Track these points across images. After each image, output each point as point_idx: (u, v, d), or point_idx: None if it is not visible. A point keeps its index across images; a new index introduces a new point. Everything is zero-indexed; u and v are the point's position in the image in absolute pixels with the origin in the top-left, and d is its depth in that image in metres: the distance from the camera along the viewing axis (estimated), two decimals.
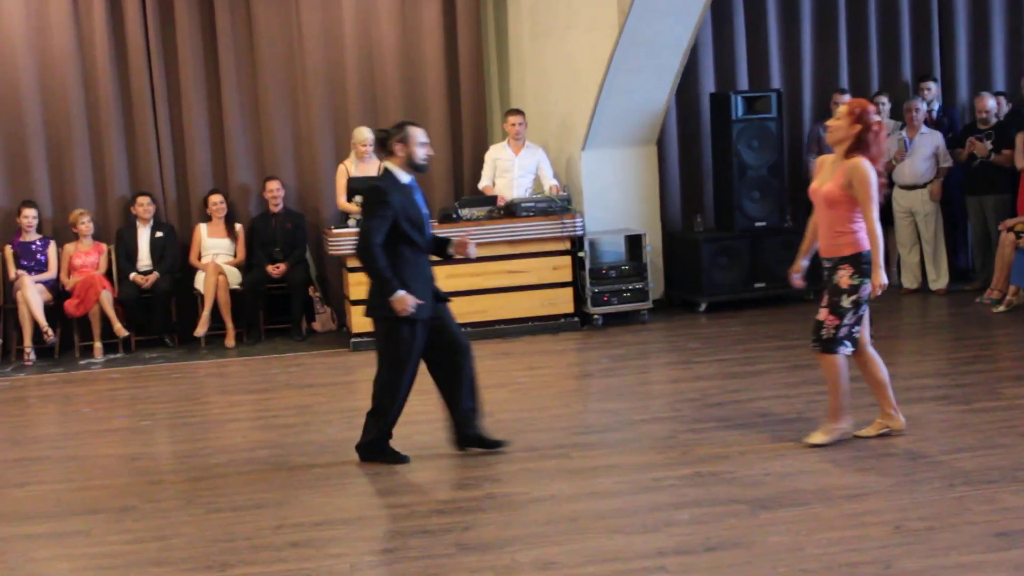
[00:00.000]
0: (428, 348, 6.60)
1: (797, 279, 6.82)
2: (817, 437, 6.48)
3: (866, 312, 6.47)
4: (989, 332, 9.53)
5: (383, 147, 6.61)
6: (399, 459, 6.61)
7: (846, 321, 6.32)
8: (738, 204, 10.98)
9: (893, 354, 9.08)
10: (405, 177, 6.53)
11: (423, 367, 6.67)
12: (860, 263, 6.29)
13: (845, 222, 6.30)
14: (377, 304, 6.52)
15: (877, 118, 6.31)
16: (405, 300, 6.36)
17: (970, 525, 5.16)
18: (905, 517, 5.30)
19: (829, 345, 6.36)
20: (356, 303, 10.18)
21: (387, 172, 6.54)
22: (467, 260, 7.35)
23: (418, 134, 6.55)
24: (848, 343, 6.38)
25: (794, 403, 7.47)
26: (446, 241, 6.82)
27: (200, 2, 11.16)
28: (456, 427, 6.74)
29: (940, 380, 7.97)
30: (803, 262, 6.76)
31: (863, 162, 6.19)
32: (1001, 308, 10.15)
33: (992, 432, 6.58)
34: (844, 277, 6.30)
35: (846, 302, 6.30)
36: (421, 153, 6.54)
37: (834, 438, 6.48)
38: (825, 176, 6.39)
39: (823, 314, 6.37)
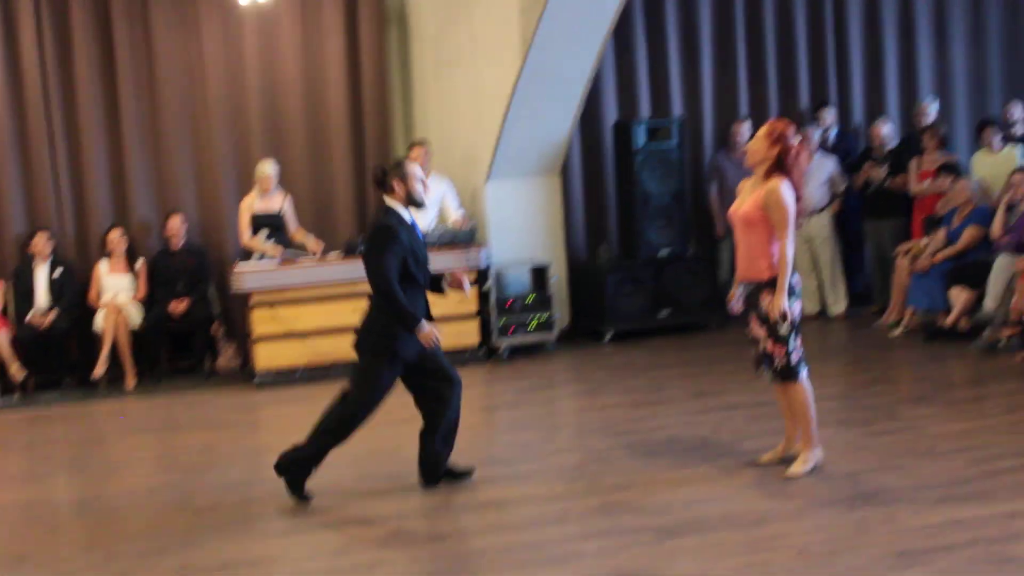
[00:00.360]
0: (416, 375, 6.64)
1: (734, 305, 6.62)
2: (796, 468, 6.36)
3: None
4: (888, 355, 9.70)
5: (381, 185, 6.58)
6: (304, 497, 6.51)
7: (793, 346, 6.29)
8: (642, 233, 11.06)
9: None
10: (407, 214, 6.55)
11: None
12: (776, 284, 6.24)
13: (763, 245, 6.25)
14: (372, 339, 6.52)
15: (797, 140, 6.28)
16: (431, 333, 6.46)
17: (871, 547, 5.23)
18: (809, 540, 5.36)
19: (788, 374, 6.31)
20: (260, 340, 10.08)
21: (391, 210, 6.51)
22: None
23: (416, 170, 6.58)
24: (805, 364, 6.35)
25: (699, 430, 7.52)
26: (439, 277, 6.89)
27: (99, 33, 10.96)
28: (423, 463, 6.67)
29: (841, 403, 8.08)
30: (737, 290, 6.59)
31: (781, 185, 6.16)
32: (899, 331, 10.35)
33: (892, 453, 6.69)
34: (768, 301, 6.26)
35: (784, 329, 6.26)
36: (419, 189, 6.56)
37: (811, 467, 6.38)
38: (744, 198, 6.38)
39: (769, 345, 6.30)
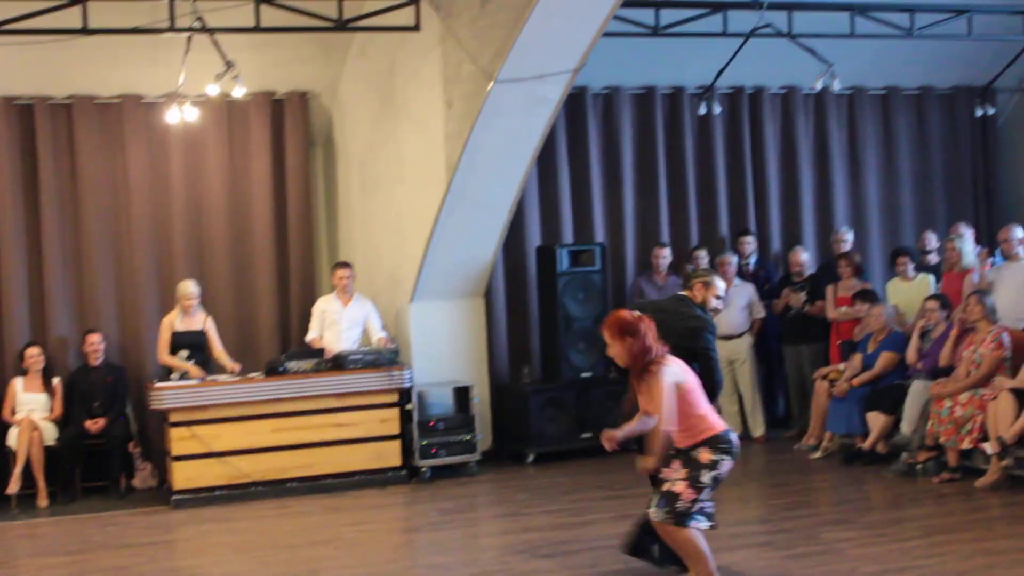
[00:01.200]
0: None
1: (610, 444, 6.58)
2: None
3: None
4: (807, 477, 9.78)
5: (686, 283, 7.41)
6: None
7: (703, 496, 6.30)
8: (564, 355, 11.13)
9: (717, 501, 9.21)
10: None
11: None
12: (718, 443, 6.28)
13: (688, 416, 6.27)
14: None
15: (633, 315, 6.34)
16: None
17: None
18: None
19: (682, 519, 6.26)
20: (178, 459, 9.92)
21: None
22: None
23: (720, 288, 7.14)
24: (701, 517, 6.32)
25: (620, 554, 7.48)
26: None
27: (23, 149, 10.92)
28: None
29: (762, 526, 8.11)
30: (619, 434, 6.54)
31: (653, 373, 6.23)
32: (818, 454, 10.46)
33: None
34: (704, 453, 6.26)
35: (706, 477, 6.26)
36: (714, 303, 7.21)
37: None
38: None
39: (680, 487, 6.24)
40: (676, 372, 6.22)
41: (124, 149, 11.13)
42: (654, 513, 6.28)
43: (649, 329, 6.23)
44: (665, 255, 11.92)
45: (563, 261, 11.19)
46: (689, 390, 6.23)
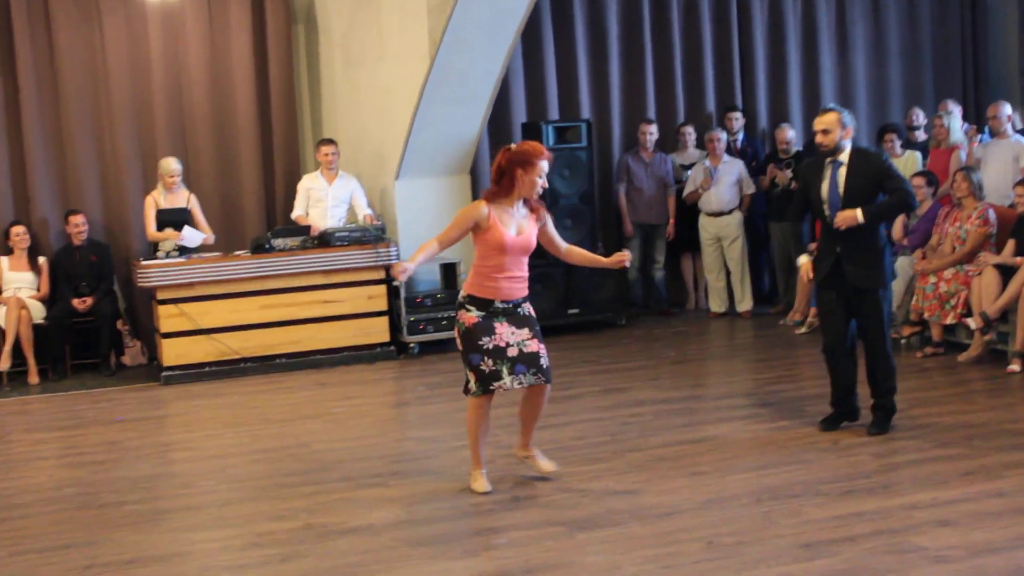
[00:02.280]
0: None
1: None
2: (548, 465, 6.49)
3: None
4: (792, 352, 9.88)
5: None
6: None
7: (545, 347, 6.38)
8: None
9: (702, 375, 9.39)
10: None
11: None
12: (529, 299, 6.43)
13: (527, 267, 6.36)
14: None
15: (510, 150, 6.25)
16: None
17: (778, 538, 5.33)
18: (716, 532, 5.44)
19: (550, 374, 6.32)
20: (167, 336, 9.97)
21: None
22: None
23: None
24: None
25: (607, 426, 7.60)
26: None
27: None
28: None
29: (747, 399, 8.21)
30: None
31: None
32: (803, 329, 10.56)
33: (796, 448, 6.82)
34: (531, 309, 6.36)
35: (538, 329, 6.35)
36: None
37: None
38: (511, 225, 6.19)
39: (535, 344, 6.24)
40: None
41: (102, 26, 10.96)
42: (523, 382, 6.20)
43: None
44: (652, 131, 11.87)
45: (549, 137, 11.12)
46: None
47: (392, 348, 10.49)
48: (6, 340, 10.23)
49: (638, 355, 10.05)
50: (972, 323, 8.96)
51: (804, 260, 7.43)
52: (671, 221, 11.94)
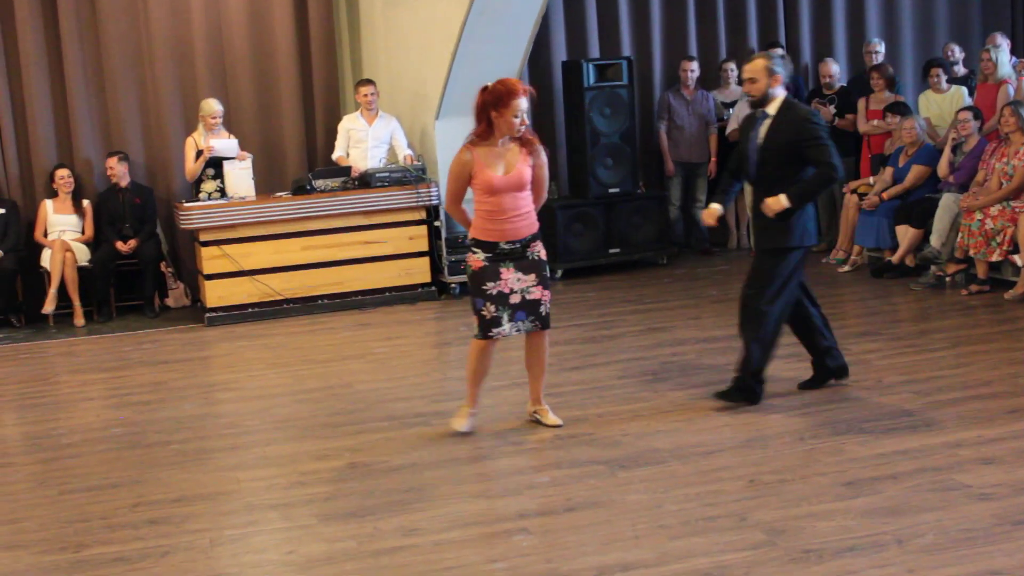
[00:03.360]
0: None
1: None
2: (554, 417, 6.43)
3: None
4: (836, 291, 9.81)
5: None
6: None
7: (550, 293, 6.34)
8: (591, 171, 11.09)
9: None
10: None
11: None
12: (541, 235, 6.34)
13: (530, 202, 6.22)
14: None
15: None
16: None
17: (820, 476, 5.33)
18: (758, 471, 5.44)
19: (548, 321, 6.30)
20: (210, 277, 10.03)
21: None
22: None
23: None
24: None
25: (649, 365, 7.60)
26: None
27: None
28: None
29: (789, 338, 8.12)
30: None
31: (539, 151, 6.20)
32: (846, 268, 10.49)
33: (838, 386, 6.79)
34: (542, 250, 6.28)
35: (547, 274, 6.31)
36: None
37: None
38: (499, 164, 6.06)
39: (538, 292, 6.18)
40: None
41: None
42: (521, 328, 6.23)
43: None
44: (693, 68, 11.76)
45: (589, 76, 11.04)
46: None
47: (433, 288, 10.51)
48: (52, 282, 10.34)
49: (679, 294, 10.02)
50: (1018, 260, 8.86)
51: (713, 207, 6.84)
52: (713, 159, 11.86)
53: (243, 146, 10.71)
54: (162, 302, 10.89)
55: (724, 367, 7.14)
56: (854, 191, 10.70)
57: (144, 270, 10.64)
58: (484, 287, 6.13)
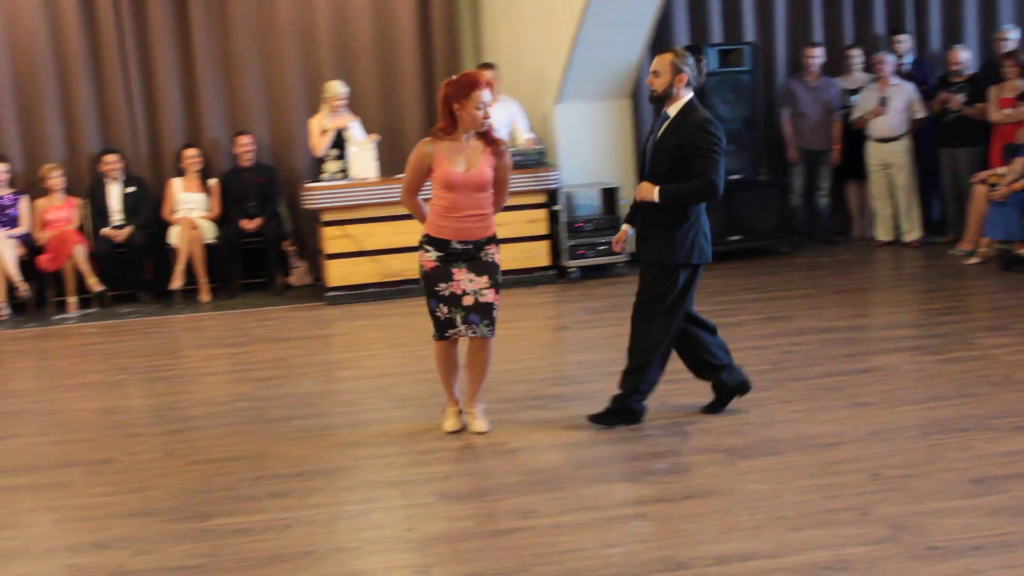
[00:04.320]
0: None
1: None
2: (483, 424, 6.24)
3: None
4: (962, 283, 9.60)
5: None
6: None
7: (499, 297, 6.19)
8: None
9: (867, 305, 9.19)
10: None
11: None
12: (496, 238, 6.13)
13: (490, 202, 6.06)
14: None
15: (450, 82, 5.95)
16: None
17: (946, 472, 5.21)
18: (881, 465, 5.34)
19: (494, 327, 6.15)
20: (331, 257, 10.17)
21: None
22: None
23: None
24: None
25: (769, 354, 7.50)
26: None
27: None
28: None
29: (914, 331, 8.03)
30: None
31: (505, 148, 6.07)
32: (974, 260, 10.24)
33: (966, 381, 6.64)
34: (496, 254, 6.11)
35: (500, 278, 6.13)
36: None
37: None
38: (460, 161, 5.93)
39: (491, 295, 6.02)
40: None
41: None
42: (476, 333, 6.08)
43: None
44: (817, 55, 11.57)
45: (712, 61, 10.94)
46: None
47: (552, 272, 10.52)
48: (179, 259, 10.59)
49: (800, 283, 9.89)
50: None
51: (624, 230, 6.26)
52: (836, 147, 11.67)
53: (365, 128, 10.82)
54: (284, 280, 11.07)
55: (845, 358, 7.04)
56: (983, 182, 10.44)
57: (268, 248, 10.84)
58: (436, 288, 6.02)
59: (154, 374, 8.10)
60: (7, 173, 10.70)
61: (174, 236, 10.72)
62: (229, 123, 11.34)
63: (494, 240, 6.07)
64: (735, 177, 11.03)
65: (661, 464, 5.52)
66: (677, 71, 5.88)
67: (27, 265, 10.55)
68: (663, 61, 5.92)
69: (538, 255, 10.48)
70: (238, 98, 11.33)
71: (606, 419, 6.14)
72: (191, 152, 10.92)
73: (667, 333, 6.06)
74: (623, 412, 6.14)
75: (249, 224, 10.75)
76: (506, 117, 10.82)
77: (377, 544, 4.79)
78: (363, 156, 10.32)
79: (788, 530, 4.64)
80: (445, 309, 6.02)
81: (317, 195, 10.13)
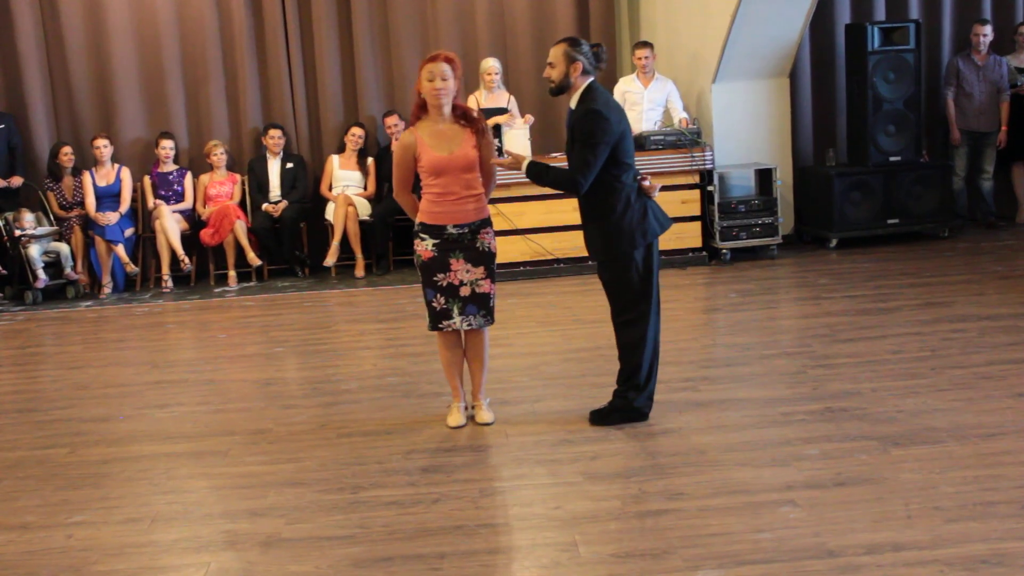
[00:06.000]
0: None
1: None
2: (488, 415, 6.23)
3: None
4: None
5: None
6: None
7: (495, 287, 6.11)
8: (872, 138, 10.74)
9: None
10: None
11: None
12: (491, 222, 6.07)
13: (479, 181, 5.98)
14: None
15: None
16: None
17: None
18: None
19: (492, 316, 6.09)
20: None
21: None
22: None
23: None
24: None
25: (928, 340, 7.32)
26: None
27: None
28: None
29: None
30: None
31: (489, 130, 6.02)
32: None
33: None
34: (491, 242, 6.02)
35: (495, 268, 6.07)
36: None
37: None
38: (443, 145, 5.88)
39: (487, 286, 6.00)
40: None
41: None
42: (473, 323, 6.06)
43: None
44: (986, 32, 11.20)
45: (874, 39, 10.69)
46: None
47: (704, 254, 10.43)
48: (335, 235, 10.79)
49: (961, 268, 9.61)
50: None
51: None
52: (1003, 128, 11.30)
53: (521, 106, 10.87)
54: None
55: (1008, 347, 6.83)
56: None
57: None
58: (435, 278, 5.98)
59: (309, 347, 8.28)
60: (173, 149, 11.04)
61: (330, 212, 10.92)
62: (387, 100, 11.50)
63: (488, 223, 6.04)
64: (895, 159, 10.78)
65: (812, 450, 5.44)
66: (571, 60, 5.76)
67: (190, 239, 10.89)
68: (556, 52, 5.82)
69: (690, 236, 10.40)
70: (395, 77, 11.49)
71: (608, 418, 6.02)
72: (357, 130, 11.13)
73: (649, 320, 6.00)
74: (627, 410, 6.02)
75: None
76: (661, 96, 10.75)
77: (525, 521, 4.82)
78: (517, 135, 10.36)
79: (943, 521, 4.52)
80: (442, 299, 6.01)
81: None
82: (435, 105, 5.88)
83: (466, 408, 6.30)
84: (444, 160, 5.85)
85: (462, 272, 5.98)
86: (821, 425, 5.80)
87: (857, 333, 7.63)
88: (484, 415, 6.22)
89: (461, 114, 5.95)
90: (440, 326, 6.07)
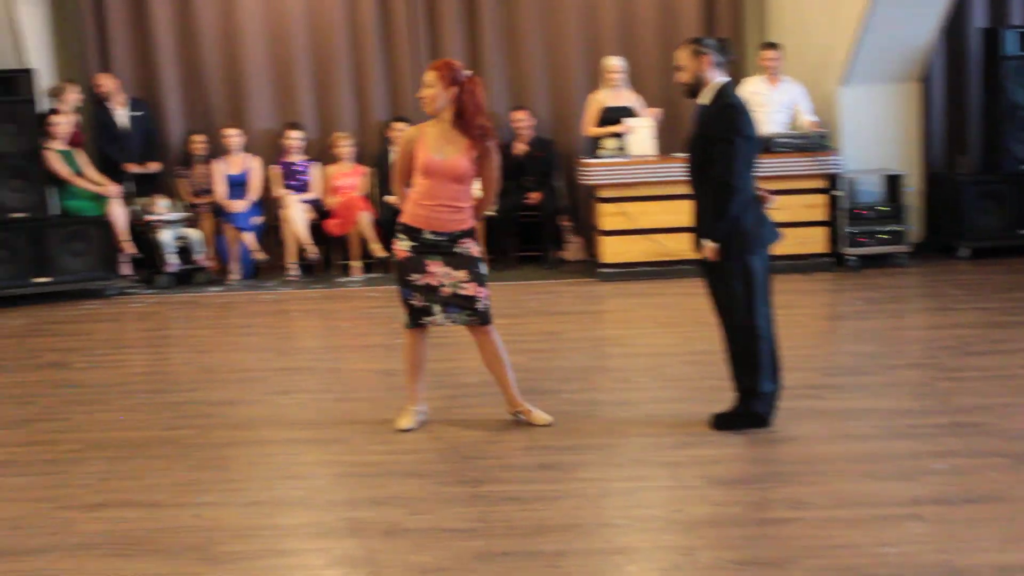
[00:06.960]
0: None
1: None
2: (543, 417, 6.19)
3: None
4: None
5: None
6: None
7: (487, 290, 6.01)
8: (1006, 145, 10.50)
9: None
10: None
11: None
12: (474, 233, 5.99)
13: (468, 196, 5.92)
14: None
15: (467, 73, 5.84)
16: None
17: None
18: None
19: (488, 317, 6.04)
20: (606, 234, 10.22)
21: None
22: None
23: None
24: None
25: None
26: None
27: None
28: None
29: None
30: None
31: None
32: None
33: None
34: (473, 246, 5.93)
35: (485, 269, 5.99)
36: None
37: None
38: (442, 148, 5.82)
39: (471, 288, 5.94)
40: None
41: None
42: (456, 321, 6.10)
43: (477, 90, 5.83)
44: None
45: (1010, 44, 10.45)
46: None
47: (829, 259, 10.28)
48: None
49: None
50: None
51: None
52: None
53: (647, 104, 10.83)
54: (557, 255, 11.20)
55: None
56: None
57: (544, 223, 10.98)
58: (409, 278, 5.94)
59: (431, 340, 8.27)
60: (301, 140, 11.22)
61: None
62: (511, 96, 11.56)
63: (470, 234, 5.97)
64: None
65: (940, 464, 5.33)
66: (699, 55, 5.69)
67: (316, 229, 11.05)
68: (682, 53, 5.77)
69: (815, 241, 10.25)
70: (520, 71, 11.55)
71: (730, 423, 5.93)
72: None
73: (763, 320, 5.82)
74: (748, 416, 5.92)
75: (530, 197, 10.91)
76: (788, 99, 10.62)
77: (644, 523, 4.81)
78: (642, 133, 10.33)
79: None
80: (420, 297, 6.00)
81: (594, 171, 10.20)
82: (427, 111, 5.89)
83: (419, 414, 6.26)
84: (436, 163, 5.82)
85: (441, 275, 5.96)
86: (949, 439, 5.68)
87: (988, 346, 7.45)
88: (539, 417, 6.20)
89: (465, 127, 5.84)
90: (421, 322, 6.09)
